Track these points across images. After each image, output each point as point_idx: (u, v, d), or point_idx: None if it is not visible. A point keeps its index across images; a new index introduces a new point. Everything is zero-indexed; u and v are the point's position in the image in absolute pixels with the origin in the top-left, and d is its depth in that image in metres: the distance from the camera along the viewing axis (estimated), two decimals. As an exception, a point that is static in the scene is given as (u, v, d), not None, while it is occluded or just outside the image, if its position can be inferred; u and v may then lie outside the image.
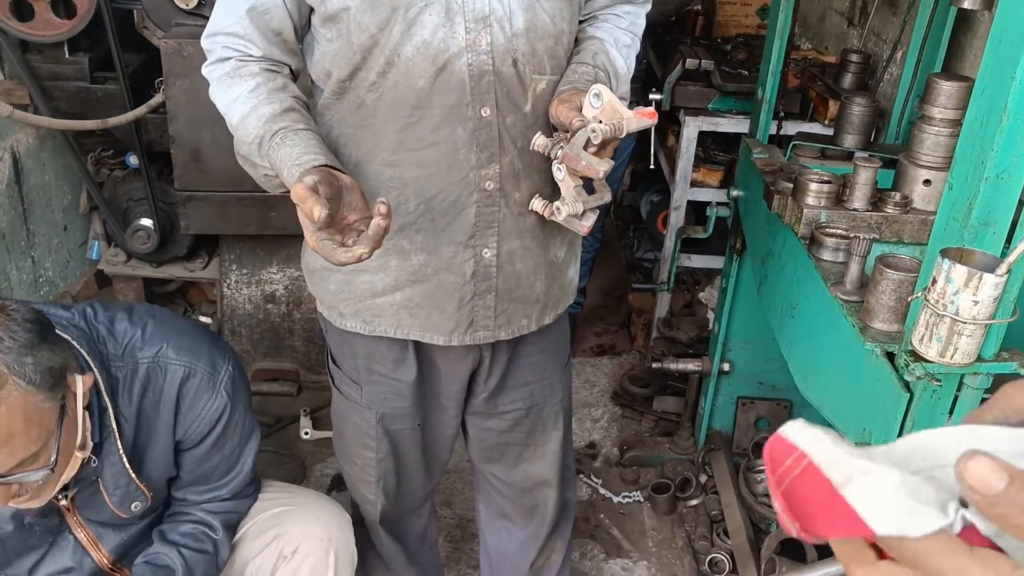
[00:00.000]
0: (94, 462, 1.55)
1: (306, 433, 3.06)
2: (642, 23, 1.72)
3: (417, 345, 1.71)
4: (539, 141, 1.45)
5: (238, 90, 1.46)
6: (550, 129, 1.54)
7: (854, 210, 1.91)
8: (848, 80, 3.02)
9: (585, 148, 1.38)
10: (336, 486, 2.86)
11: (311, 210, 1.20)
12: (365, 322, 1.68)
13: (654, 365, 2.93)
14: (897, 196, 1.92)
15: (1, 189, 2.90)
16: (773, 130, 2.69)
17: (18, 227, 3.04)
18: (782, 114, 2.87)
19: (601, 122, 1.35)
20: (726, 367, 2.86)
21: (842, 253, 1.81)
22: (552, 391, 1.90)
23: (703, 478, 2.93)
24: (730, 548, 2.64)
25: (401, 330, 1.67)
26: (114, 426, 1.56)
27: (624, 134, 1.36)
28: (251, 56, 1.48)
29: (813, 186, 1.92)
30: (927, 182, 1.91)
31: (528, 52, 1.50)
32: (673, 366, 2.91)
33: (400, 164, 1.53)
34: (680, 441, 3.05)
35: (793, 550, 2.53)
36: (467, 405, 1.86)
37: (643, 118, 1.36)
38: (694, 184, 3.21)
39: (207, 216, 2.81)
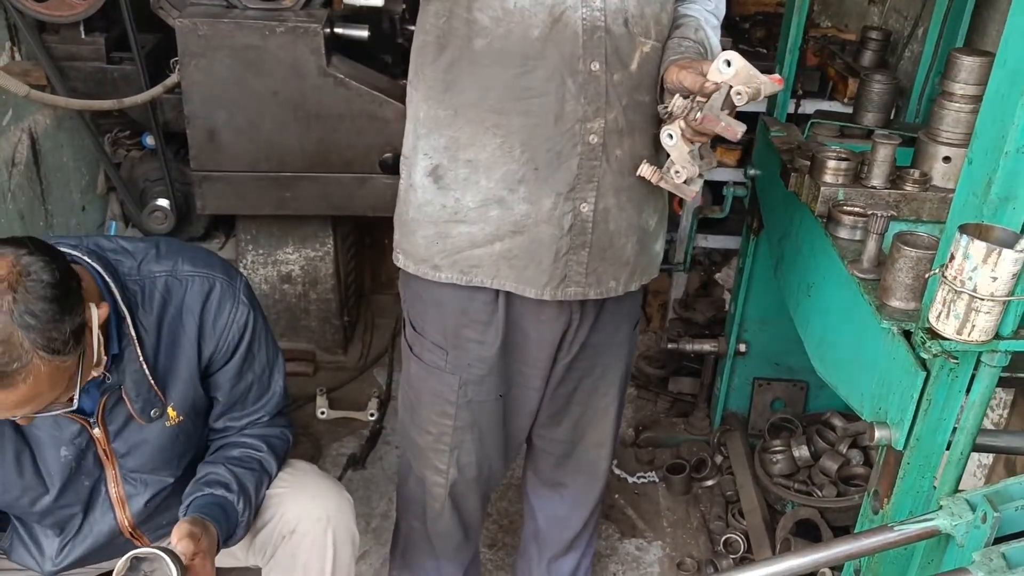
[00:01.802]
0: (108, 378, 1.59)
1: (322, 412, 3.07)
2: (723, 8, 1.77)
3: (508, 309, 1.73)
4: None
5: None
6: (656, 91, 1.60)
7: (872, 188, 1.89)
8: (868, 58, 2.98)
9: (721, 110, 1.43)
10: (352, 465, 2.87)
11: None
12: (463, 272, 1.69)
13: (670, 346, 2.92)
14: (916, 173, 1.89)
15: (20, 170, 2.91)
16: (791, 109, 2.66)
17: (37, 207, 3.06)
18: (800, 92, 2.83)
19: (734, 87, 1.41)
20: (742, 348, 2.85)
21: (859, 231, 1.79)
22: (619, 354, 1.95)
23: (718, 459, 2.92)
24: (745, 528, 2.63)
25: (498, 280, 1.69)
26: (133, 334, 1.59)
27: (762, 97, 1.44)
28: None
29: (831, 163, 1.90)
30: (947, 159, 1.89)
31: (637, 14, 1.55)
32: (689, 347, 2.90)
33: (507, 112, 1.57)
34: (696, 422, 3.04)
35: (808, 530, 2.52)
36: (550, 375, 1.88)
37: (776, 83, 1.44)
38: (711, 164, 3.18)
39: (223, 196, 2.81)
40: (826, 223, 1.87)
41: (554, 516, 2.18)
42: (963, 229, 1.26)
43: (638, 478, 2.91)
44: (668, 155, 1.54)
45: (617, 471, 2.92)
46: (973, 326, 1.28)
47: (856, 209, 1.83)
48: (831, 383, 1.85)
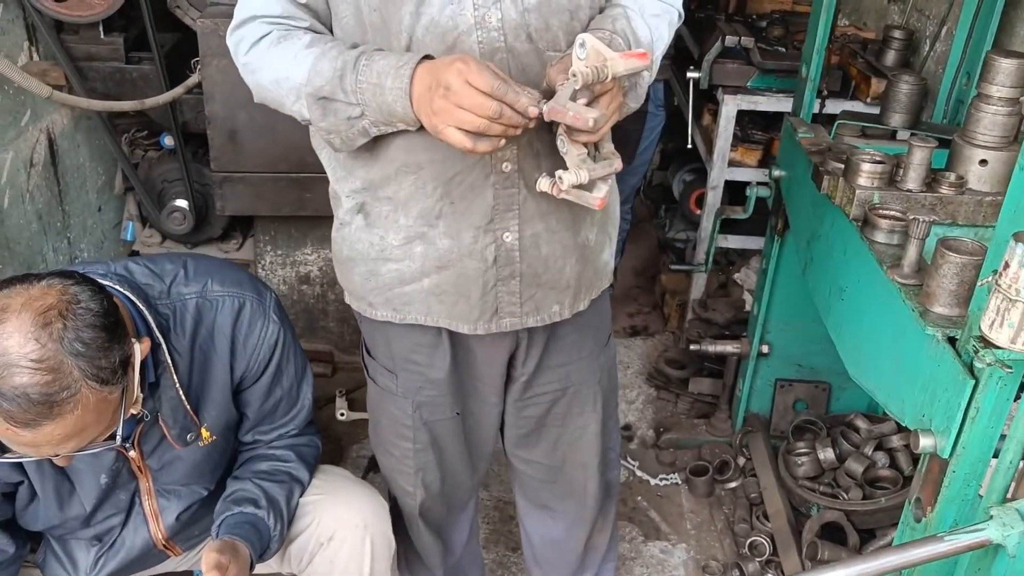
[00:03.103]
0: (147, 416, 1.58)
1: (342, 414, 3.05)
2: None
3: (451, 332, 1.68)
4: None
5: (293, 49, 1.42)
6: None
7: (908, 191, 1.87)
8: (891, 57, 2.97)
9: (573, 100, 1.31)
10: (372, 467, 2.86)
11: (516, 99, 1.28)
12: (395, 310, 1.65)
13: (692, 347, 2.91)
14: (952, 176, 1.88)
15: (38, 171, 2.90)
16: (816, 108, 2.64)
17: (54, 208, 3.05)
18: (825, 92, 2.81)
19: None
20: (765, 349, 2.83)
21: (897, 235, 1.78)
22: (590, 371, 1.86)
23: (741, 460, 2.91)
24: (770, 531, 2.62)
25: (431, 317, 1.64)
26: (168, 360, 1.59)
27: (609, 77, 1.30)
28: (294, 26, 1.46)
29: (865, 166, 1.88)
30: (983, 162, 1.87)
31: (542, 27, 1.45)
32: (711, 348, 2.88)
33: (415, 148, 1.49)
34: (717, 423, 3.03)
35: (834, 533, 2.51)
36: (506, 392, 1.83)
37: (631, 59, 1.31)
38: (732, 163, 3.17)
39: (243, 197, 2.80)
40: (861, 227, 1.85)
41: (549, 539, 2.11)
42: (1018, 237, 1.25)
43: (660, 480, 2.90)
44: None
45: (639, 473, 2.91)
46: (1028, 335, 1.26)
47: (893, 213, 1.81)
48: (867, 388, 1.83)
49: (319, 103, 1.42)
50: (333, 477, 1.87)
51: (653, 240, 4.17)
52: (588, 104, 1.33)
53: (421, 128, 1.40)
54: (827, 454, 2.65)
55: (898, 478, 2.58)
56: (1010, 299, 1.25)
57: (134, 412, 1.51)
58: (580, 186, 1.39)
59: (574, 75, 1.29)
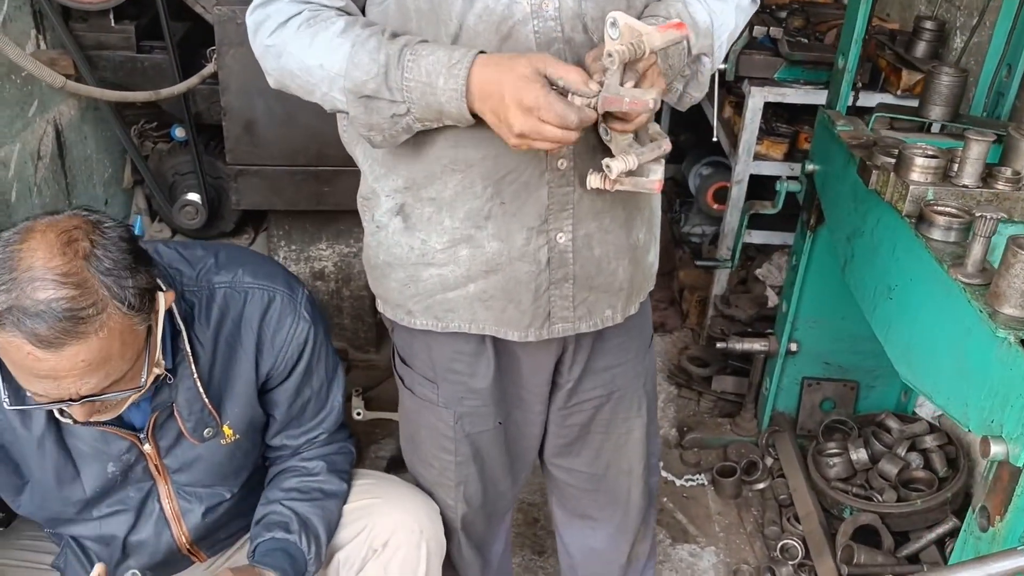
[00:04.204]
0: (170, 379, 1.53)
1: (358, 414, 2.98)
2: None
3: (496, 339, 1.60)
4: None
5: (327, 34, 1.33)
6: None
7: (964, 186, 1.81)
8: (921, 48, 2.91)
9: (622, 84, 1.24)
10: (392, 469, 2.79)
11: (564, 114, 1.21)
12: (437, 318, 1.57)
13: (718, 345, 2.85)
14: (1008, 172, 1.81)
15: (45, 163, 2.82)
16: (849, 101, 2.58)
17: (62, 201, 2.97)
18: (859, 85, 2.75)
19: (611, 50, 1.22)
20: (793, 347, 2.77)
21: (955, 232, 1.71)
22: (635, 375, 1.79)
23: (768, 461, 2.85)
24: (801, 534, 2.56)
25: (476, 324, 1.56)
26: (188, 350, 1.53)
27: (648, 51, 1.22)
28: (325, 5, 1.37)
29: (919, 160, 1.82)
30: (1041, 157, 1.81)
31: (598, 16, 1.37)
32: (738, 346, 2.82)
33: (463, 144, 1.41)
34: (743, 423, 2.97)
35: (868, 536, 2.46)
36: (551, 399, 1.75)
37: (668, 30, 1.24)
38: (757, 157, 3.10)
39: (259, 191, 2.72)
40: (916, 223, 1.79)
41: (589, 549, 2.01)
42: (1113, 236, 1.18)
43: (686, 481, 2.84)
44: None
45: (664, 473, 2.85)
46: (1121, 340, 1.20)
47: (950, 209, 1.74)
48: (923, 391, 1.77)
49: (361, 101, 1.33)
50: (382, 481, 1.80)
51: (667, 234, 4.10)
52: (636, 85, 1.25)
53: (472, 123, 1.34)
54: (860, 455, 2.60)
55: (933, 479, 2.53)
56: (1104, 302, 1.19)
57: (157, 371, 1.46)
58: (631, 173, 1.32)
59: (610, 55, 1.20)
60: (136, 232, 3.22)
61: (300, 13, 1.36)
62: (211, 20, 2.59)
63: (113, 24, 2.73)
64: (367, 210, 1.58)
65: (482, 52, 1.29)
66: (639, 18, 1.39)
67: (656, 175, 1.33)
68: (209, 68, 2.61)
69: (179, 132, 2.93)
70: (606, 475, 1.87)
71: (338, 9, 1.38)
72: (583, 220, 1.49)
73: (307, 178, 2.71)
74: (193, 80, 2.62)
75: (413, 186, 1.49)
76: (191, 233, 3.07)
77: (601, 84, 1.24)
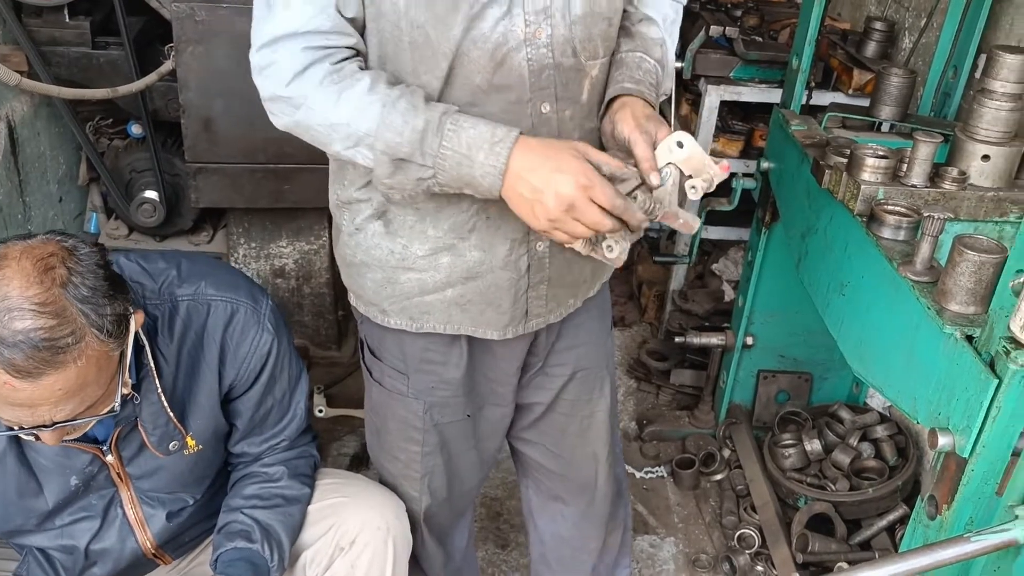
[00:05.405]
0: (136, 399, 1.52)
1: (320, 411, 2.99)
2: None
3: (469, 336, 1.63)
4: (576, 242, 1.38)
5: (353, 93, 1.31)
6: (599, 119, 1.49)
7: (912, 186, 1.87)
8: (872, 49, 2.97)
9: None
10: (355, 466, 2.80)
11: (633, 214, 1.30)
12: (412, 319, 1.59)
13: (676, 339, 2.90)
14: (955, 172, 1.88)
15: (-2, 160, 2.77)
16: (803, 100, 2.63)
17: (15, 199, 2.91)
18: (813, 84, 2.81)
19: (689, 180, 1.37)
20: (749, 341, 2.83)
21: (904, 231, 1.77)
22: (597, 355, 1.85)
23: (725, 452, 2.91)
24: (758, 523, 2.63)
25: (452, 326, 1.59)
26: (152, 364, 1.52)
27: (714, 186, 1.38)
28: (339, 50, 1.34)
29: (870, 161, 1.87)
30: (986, 157, 1.87)
31: (585, 38, 1.42)
32: (696, 340, 2.87)
33: None
34: (701, 415, 3.02)
35: (822, 524, 2.53)
36: (519, 383, 1.79)
37: (724, 171, 1.39)
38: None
39: (218, 189, 2.71)
40: (867, 222, 1.84)
41: (560, 537, 2.04)
42: (1052, 238, 1.24)
43: (645, 473, 2.89)
44: None
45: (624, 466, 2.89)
46: (1060, 336, 1.26)
47: (900, 209, 1.80)
48: (874, 385, 1.83)
49: (392, 163, 1.33)
50: (349, 480, 1.81)
51: (626, 230, 4.14)
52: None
53: None
54: (814, 445, 2.67)
55: (884, 468, 2.61)
56: (1043, 300, 1.24)
57: (124, 391, 1.44)
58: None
59: (693, 187, 1.37)
60: (92, 230, 3.20)
61: (318, 63, 1.32)
62: (168, 16, 2.57)
63: (68, 20, 2.68)
64: (346, 211, 1.58)
65: (522, 133, 1.32)
66: (617, 55, 1.50)
67: (625, 254, 1.42)
68: (167, 65, 2.58)
69: (136, 128, 2.89)
70: (572, 459, 1.91)
71: (349, 48, 1.36)
72: None
73: (266, 175, 2.70)
74: (151, 77, 2.59)
75: None
76: (148, 231, 3.03)
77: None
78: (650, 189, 1.37)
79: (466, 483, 1.86)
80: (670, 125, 1.43)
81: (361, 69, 1.36)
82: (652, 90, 1.48)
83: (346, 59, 1.35)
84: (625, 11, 1.54)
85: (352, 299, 1.69)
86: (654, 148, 1.37)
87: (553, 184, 1.28)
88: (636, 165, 1.37)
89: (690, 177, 1.38)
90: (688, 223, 1.40)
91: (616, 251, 1.38)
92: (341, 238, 1.62)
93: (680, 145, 1.35)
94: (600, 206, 1.28)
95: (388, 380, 1.71)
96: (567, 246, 1.41)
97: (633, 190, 1.37)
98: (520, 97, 1.40)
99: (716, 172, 1.37)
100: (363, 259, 1.57)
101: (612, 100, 1.47)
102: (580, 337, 1.79)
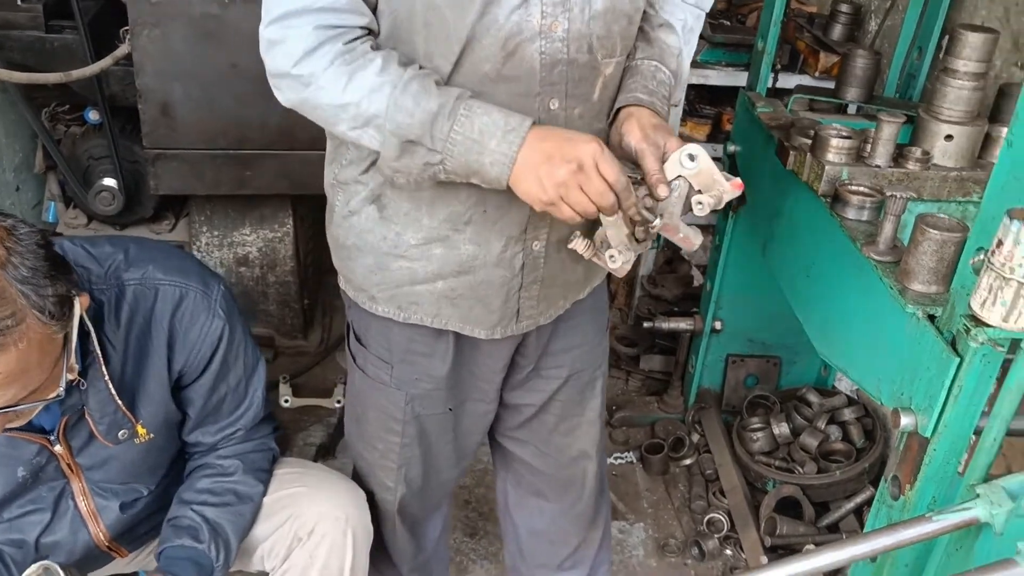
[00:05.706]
0: (83, 385, 1.47)
1: (286, 401, 2.95)
2: None
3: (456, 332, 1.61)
4: (579, 244, 1.39)
5: (364, 74, 1.28)
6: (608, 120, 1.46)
7: (876, 167, 1.86)
8: (838, 31, 2.97)
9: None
10: (322, 456, 2.77)
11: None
12: (400, 308, 1.56)
13: (645, 325, 2.89)
14: (918, 152, 1.87)
15: (-50, 148, 2.70)
16: (769, 83, 2.62)
17: (-31, 188, 2.85)
18: (779, 67, 2.80)
19: (697, 196, 1.34)
20: (718, 325, 2.83)
21: (867, 212, 1.76)
22: (593, 356, 1.82)
23: (694, 437, 2.90)
24: (727, 507, 2.63)
25: (439, 320, 1.56)
26: (98, 351, 1.47)
27: (722, 205, 1.35)
28: (351, 30, 1.30)
29: (833, 142, 1.87)
30: (949, 137, 1.87)
31: (604, 35, 1.39)
32: (664, 325, 2.87)
33: None
34: (670, 400, 3.02)
35: (790, 508, 2.53)
36: (506, 382, 1.76)
37: (735, 188, 1.35)
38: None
39: (178, 175, 2.65)
40: (831, 203, 1.83)
41: (536, 531, 2.01)
42: (1012, 214, 1.23)
43: (615, 459, 2.88)
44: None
45: (593, 452, 2.88)
46: (1021, 313, 1.25)
47: (863, 189, 1.79)
48: (838, 367, 1.82)
49: (401, 145, 1.30)
50: (308, 470, 1.78)
51: (596, 216, 4.13)
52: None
53: None
54: (782, 429, 2.67)
55: (851, 451, 2.62)
56: (1004, 277, 1.23)
57: (70, 377, 1.40)
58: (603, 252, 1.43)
59: (700, 203, 1.33)
60: (49, 219, 3.13)
61: (329, 42, 1.29)
62: (123, -1, 2.51)
63: (20, 3, 2.61)
64: (340, 192, 1.55)
65: (536, 123, 1.30)
66: (631, 61, 1.48)
67: (629, 264, 1.42)
68: (123, 49, 2.51)
69: (93, 115, 2.81)
70: (560, 458, 1.88)
71: (362, 28, 1.32)
72: (557, 227, 1.51)
73: (228, 161, 2.64)
74: (106, 61, 2.52)
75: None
76: (108, 219, 2.97)
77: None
78: (656, 201, 1.34)
79: (442, 475, 1.83)
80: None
81: (373, 49, 1.32)
82: (664, 102, 1.46)
83: (357, 39, 1.31)
84: (645, 12, 1.51)
85: (341, 282, 1.65)
86: (663, 160, 1.34)
87: (565, 148, 1.26)
88: (643, 178, 1.34)
89: (699, 192, 1.35)
90: (689, 239, 1.37)
91: (619, 261, 1.38)
92: (334, 219, 1.58)
93: (692, 158, 1.32)
94: (605, 179, 1.26)
95: (371, 368, 1.68)
96: (569, 246, 1.41)
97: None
98: (528, 90, 1.36)
99: (727, 189, 1.33)
100: (355, 243, 1.54)
101: (619, 109, 1.44)
102: (576, 339, 1.76)
